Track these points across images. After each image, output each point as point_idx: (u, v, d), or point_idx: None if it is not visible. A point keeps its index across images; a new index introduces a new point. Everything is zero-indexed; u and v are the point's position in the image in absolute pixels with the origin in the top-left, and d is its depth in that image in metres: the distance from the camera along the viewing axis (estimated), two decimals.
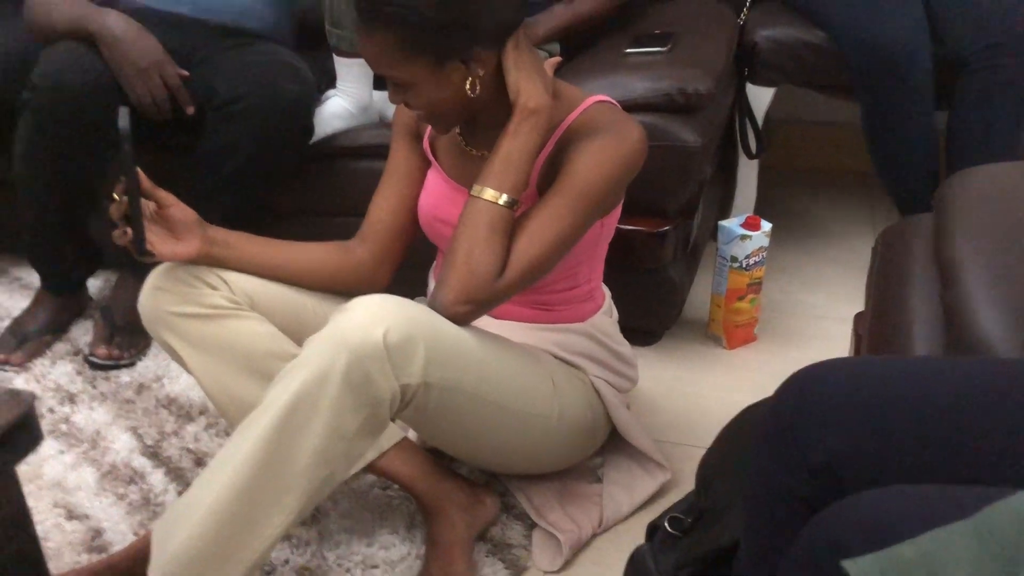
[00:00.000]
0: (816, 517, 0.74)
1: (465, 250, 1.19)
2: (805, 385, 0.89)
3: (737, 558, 0.96)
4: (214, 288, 1.30)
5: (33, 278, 1.96)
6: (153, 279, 1.30)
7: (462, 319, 1.20)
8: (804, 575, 0.70)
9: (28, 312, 1.92)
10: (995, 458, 0.80)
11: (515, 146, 1.21)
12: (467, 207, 1.21)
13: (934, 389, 0.85)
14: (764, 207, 2.19)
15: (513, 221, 1.22)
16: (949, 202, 1.16)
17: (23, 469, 1.05)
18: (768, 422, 0.91)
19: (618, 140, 1.24)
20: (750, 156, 2.12)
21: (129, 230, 1.21)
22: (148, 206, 1.25)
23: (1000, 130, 1.82)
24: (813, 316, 1.99)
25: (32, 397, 0.92)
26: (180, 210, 1.28)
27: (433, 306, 1.20)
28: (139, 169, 1.21)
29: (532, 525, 1.43)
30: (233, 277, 1.32)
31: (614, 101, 1.33)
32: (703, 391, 1.77)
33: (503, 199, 1.20)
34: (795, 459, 0.85)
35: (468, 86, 1.21)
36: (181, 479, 1.53)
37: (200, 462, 1.56)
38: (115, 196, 1.21)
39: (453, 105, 1.23)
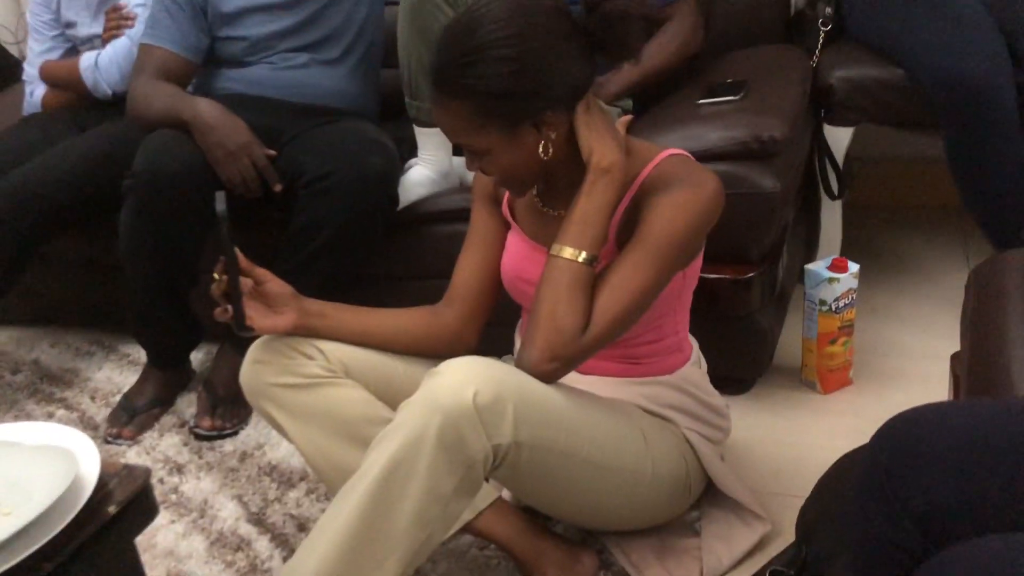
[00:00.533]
0: (919, 572, 0.72)
1: (548, 308, 1.21)
2: (902, 431, 0.88)
3: None
4: (310, 358, 1.34)
5: (140, 354, 2.06)
6: (253, 353, 1.36)
7: (549, 377, 1.22)
8: None
9: (136, 387, 2.01)
10: None
11: (591, 204, 1.23)
12: (548, 266, 1.23)
13: None
14: (851, 247, 2.15)
15: (593, 277, 1.23)
16: None
17: (138, 540, 1.11)
18: (866, 471, 0.90)
19: (694, 191, 1.25)
20: (832, 197, 2.10)
21: (230, 308, 1.27)
22: (246, 283, 1.31)
23: None
24: (909, 357, 1.94)
25: (147, 472, 0.97)
26: (276, 285, 1.34)
27: (520, 365, 1.22)
28: (237, 248, 1.27)
29: None
30: (328, 346, 1.36)
31: (687, 153, 1.34)
32: (800, 439, 1.73)
33: (582, 256, 1.22)
34: (896, 508, 0.84)
35: (541, 149, 1.24)
36: (285, 545, 1.57)
37: (303, 527, 1.60)
38: (215, 275, 1.27)
39: (527, 169, 1.26)
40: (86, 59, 2.06)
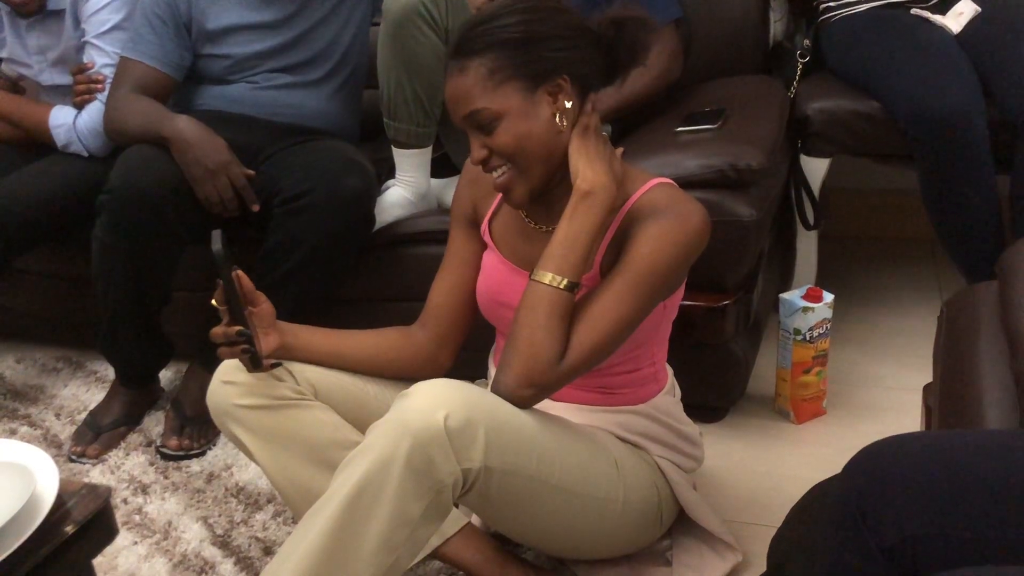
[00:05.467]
0: None
1: (526, 335, 1.20)
2: (873, 463, 0.87)
3: None
4: (279, 379, 1.32)
5: (108, 371, 2.03)
6: (221, 373, 1.34)
7: (524, 403, 1.21)
8: None
9: (103, 405, 1.98)
10: None
11: (573, 229, 1.22)
12: (528, 291, 1.22)
13: (1007, 463, 0.83)
14: (826, 277, 2.17)
15: (573, 304, 1.22)
16: (1014, 268, 1.14)
17: (98, 561, 1.08)
18: (837, 502, 0.89)
19: (680, 222, 1.24)
20: (808, 227, 2.11)
21: (241, 347, 1.27)
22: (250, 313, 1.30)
23: None
24: (883, 387, 1.94)
25: (107, 491, 0.94)
26: (267, 307, 1.33)
27: (495, 390, 1.21)
28: (240, 271, 1.26)
29: None
30: (297, 367, 1.35)
31: (674, 183, 1.34)
32: (772, 468, 1.73)
33: (563, 283, 1.21)
34: (867, 541, 0.83)
35: (557, 119, 1.23)
36: (250, 568, 1.54)
37: (269, 551, 1.57)
38: (215, 303, 1.27)
39: (541, 147, 1.23)
40: (61, 116, 2.01)
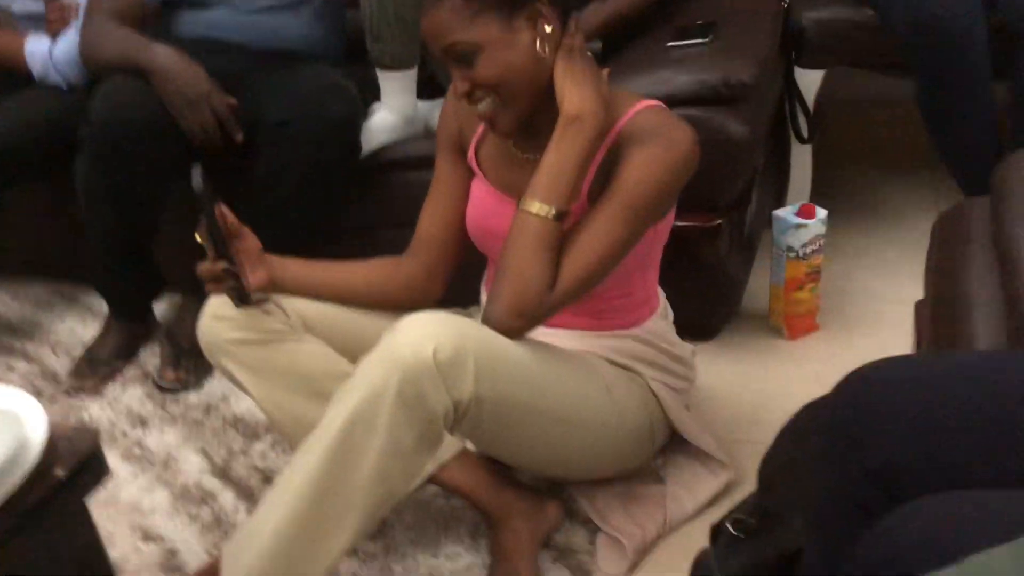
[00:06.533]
0: (873, 530, 0.72)
1: (515, 265, 1.19)
2: (861, 387, 0.87)
3: (800, 565, 0.95)
4: (268, 313, 1.32)
5: (103, 305, 2.03)
6: (210, 309, 1.33)
7: (515, 333, 1.20)
8: None
9: (98, 339, 1.98)
10: None
11: (560, 155, 1.20)
12: (515, 221, 1.21)
13: (994, 386, 0.82)
14: (822, 191, 2.14)
15: (562, 234, 1.21)
16: (1007, 184, 1.12)
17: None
18: (826, 426, 0.90)
19: (668, 146, 1.22)
20: (802, 141, 2.08)
21: (226, 283, 1.26)
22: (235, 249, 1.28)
23: None
24: (878, 301, 1.94)
25: (96, 433, 0.95)
26: (252, 241, 1.32)
27: (486, 321, 1.20)
28: (224, 207, 1.24)
29: (596, 530, 1.43)
30: (287, 301, 1.34)
31: (663, 105, 1.31)
32: (766, 385, 1.74)
33: (551, 212, 1.19)
34: (852, 464, 0.83)
35: (538, 45, 1.19)
36: (250, 498, 1.56)
37: (268, 479, 1.60)
38: (198, 239, 1.26)
39: (524, 76, 1.20)
40: (35, 46, 1.94)
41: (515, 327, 1.20)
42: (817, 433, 0.91)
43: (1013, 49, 1.79)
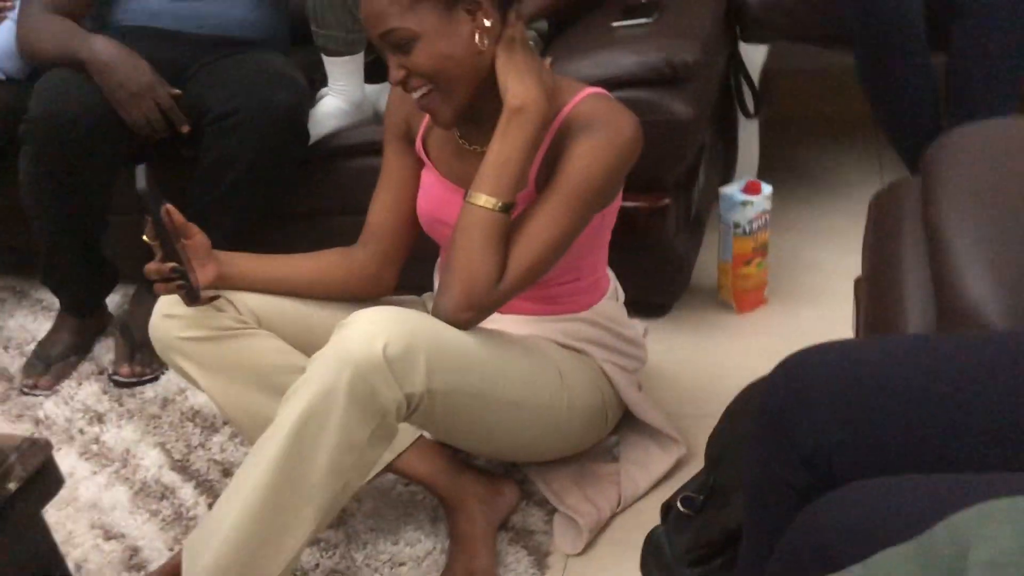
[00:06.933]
0: (801, 516, 0.75)
1: (463, 258, 1.20)
2: (794, 372, 0.90)
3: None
4: (220, 310, 1.32)
5: (54, 300, 2.01)
6: (161, 306, 1.33)
7: (465, 325, 1.22)
8: None
9: (51, 335, 1.96)
10: (987, 440, 0.81)
11: (505, 147, 1.21)
12: (463, 214, 1.22)
13: (924, 371, 0.85)
14: (769, 164, 2.17)
15: (509, 225, 1.22)
16: (936, 162, 1.15)
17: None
18: (760, 408, 0.93)
19: (612, 135, 1.24)
20: (748, 115, 2.11)
21: (175, 283, 1.26)
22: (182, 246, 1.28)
23: (1000, 78, 1.77)
24: (824, 274, 1.98)
25: (48, 445, 0.95)
26: (201, 238, 1.31)
27: (436, 314, 1.22)
28: (171, 206, 1.24)
29: (553, 510, 1.46)
30: (238, 296, 1.35)
31: (606, 92, 1.33)
32: (717, 360, 1.78)
33: (498, 205, 1.20)
34: (786, 448, 0.86)
35: (477, 38, 1.20)
36: (210, 491, 1.57)
37: (227, 472, 1.61)
38: (146, 240, 1.26)
39: (462, 68, 1.21)
40: None
41: (465, 319, 1.22)
42: (753, 415, 0.94)
43: (949, 21, 1.82)
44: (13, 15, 1.89)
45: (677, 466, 1.52)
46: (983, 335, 0.92)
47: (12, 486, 0.89)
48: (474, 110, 1.27)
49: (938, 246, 1.04)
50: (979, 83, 1.78)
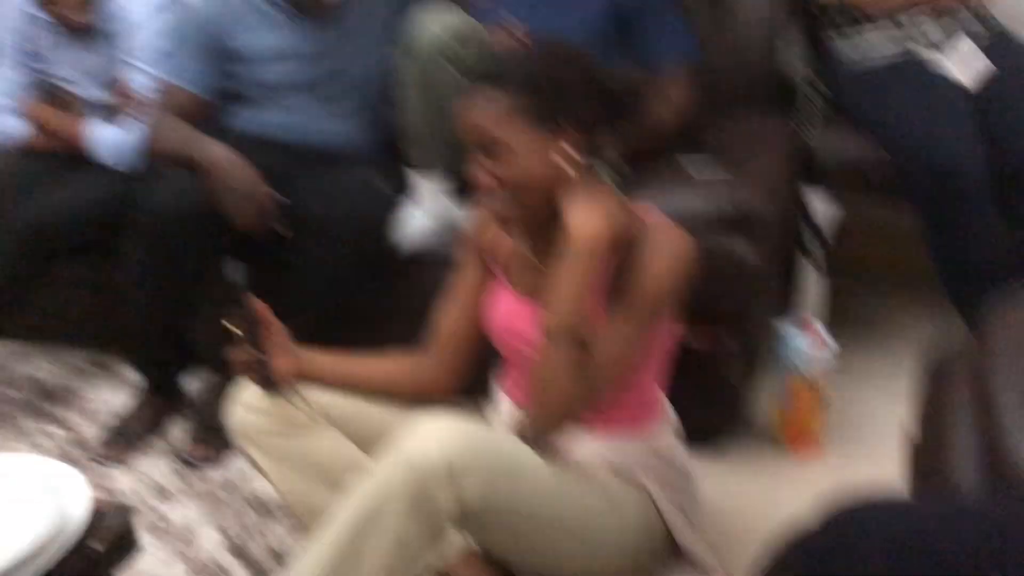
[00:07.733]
0: None
1: (542, 386, 1.30)
2: (843, 526, 0.93)
3: None
4: (293, 405, 1.41)
5: (134, 376, 2.12)
6: (241, 397, 1.42)
7: (550, 439, 1.33)
8: None
9: (135, 412, 2.07)
10: None
11: (572, 282, 1.28)
12: (541, 344, 1.30)
13: (969, 538, 0.87)
14: (830, 309, 2.20)
15: (584, 351, 1.29)
16: (991, 332, 1.19)
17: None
18: (805, 557, 0.95)
19: (675, 253, 1.32)
20: (813, 264, 2.15)
21: (257, 369, 1.36)
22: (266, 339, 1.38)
23: None
24: (879, 422, 1.97)
25: (131, 510, 1.02)
26: (281, 331, 1.41)
27: (521, 435, 1.31)
28: (255, 298, 1.35)
29: None
30: (311, 393, 1.43)
31: (661, 213, 1.41)
32: (766, 501, 1.77)
33: (569, 331, 1.28)
34: None
35: (562, 163, 1.30)
36: None
37: (281, 560, 1.66)
38: (227, 325, 1.36)
39: (536, 184, 1.31)
40: (100, 134, 2.09)
41: (553, 434, 1.31)
42: (798, 564, 0.96)
43: (1016, 195, 1.86)
44: (140, 116, 2.07)
45: None
46: None
47: (98, 547, 0.96)
48: (545, 227, 1.35)
49: (988, 405, 1.07)
50: None
